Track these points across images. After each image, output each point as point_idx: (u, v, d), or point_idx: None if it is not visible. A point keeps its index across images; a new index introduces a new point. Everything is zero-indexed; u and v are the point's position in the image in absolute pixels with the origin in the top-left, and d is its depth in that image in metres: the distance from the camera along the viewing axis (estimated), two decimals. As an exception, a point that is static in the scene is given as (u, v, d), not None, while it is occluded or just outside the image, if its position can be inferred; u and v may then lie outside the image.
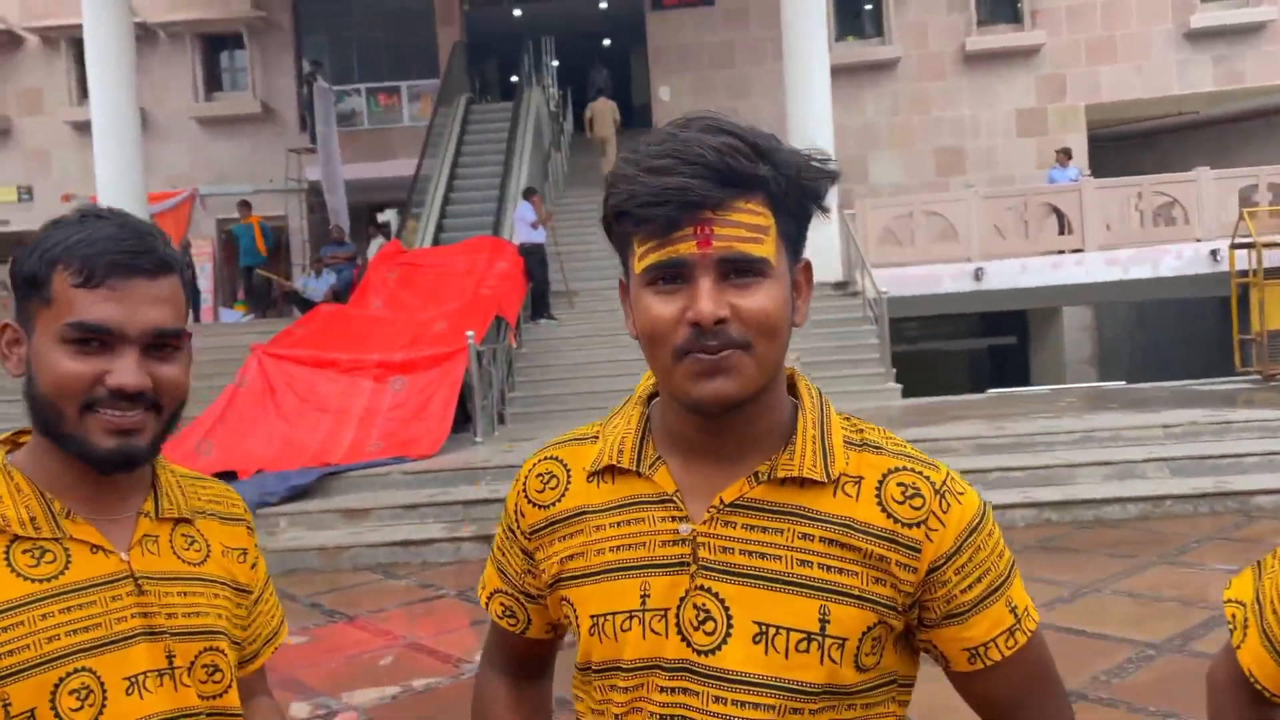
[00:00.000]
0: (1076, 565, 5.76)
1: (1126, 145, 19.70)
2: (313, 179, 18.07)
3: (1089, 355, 18.19)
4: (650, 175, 0.89)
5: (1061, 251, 13.83)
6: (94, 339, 1.02)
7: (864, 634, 0.94)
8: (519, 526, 1.07)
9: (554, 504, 1.04)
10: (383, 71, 19.31)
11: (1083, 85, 17.71)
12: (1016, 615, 0.98)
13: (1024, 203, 14.02)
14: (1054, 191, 14.29)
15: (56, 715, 1.00)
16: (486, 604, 1.14)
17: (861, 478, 0.97)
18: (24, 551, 1.03)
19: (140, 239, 1.05)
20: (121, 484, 1.10)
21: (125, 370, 1.02)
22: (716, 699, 0.93)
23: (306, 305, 12.95)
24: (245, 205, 16.25)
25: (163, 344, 1.06)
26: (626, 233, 0.93)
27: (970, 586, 0.96)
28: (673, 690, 0.94)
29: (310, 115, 17.65)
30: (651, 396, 1.04)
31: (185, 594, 1.10)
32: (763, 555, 0.94)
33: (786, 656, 0.93)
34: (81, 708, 1.01)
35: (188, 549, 1.13)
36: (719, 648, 0.93)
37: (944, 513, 0.95)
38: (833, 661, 0.93)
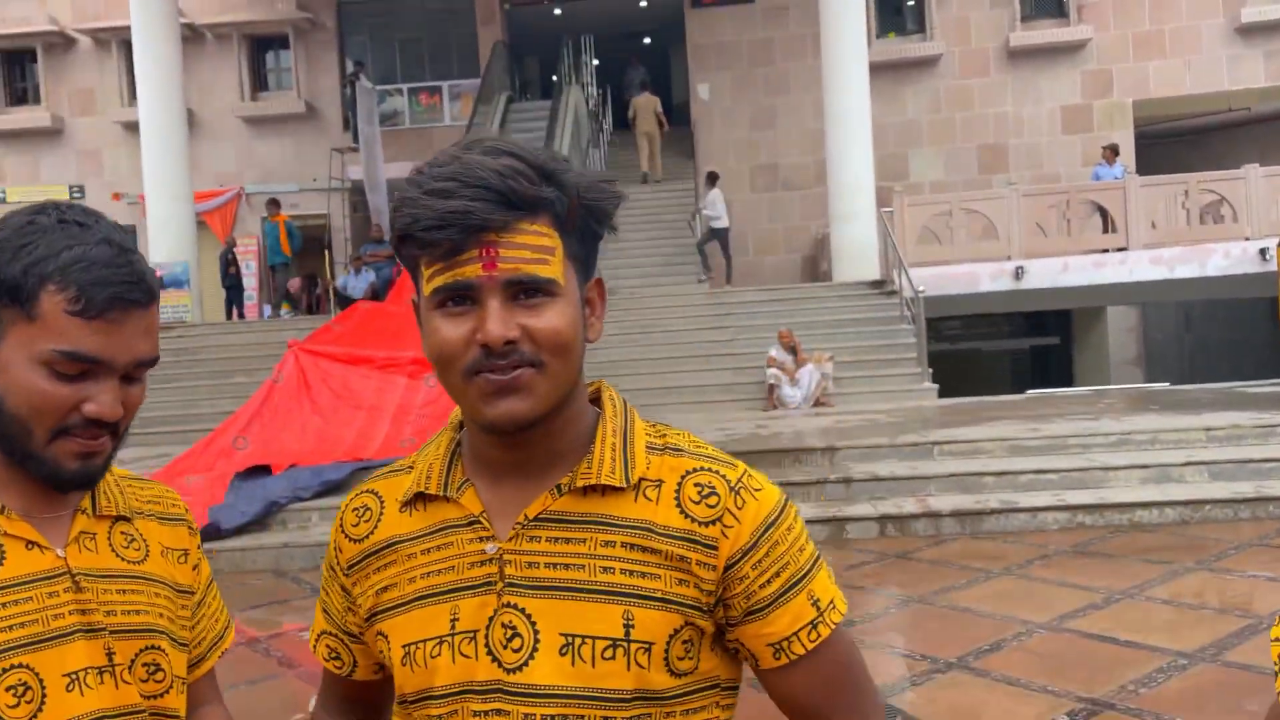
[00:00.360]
0: (1110, 570, 5.66)
1: (1175, 142, 19.30)
2: (355, 178, 18.28)
3: (1134, 356, 17.86)
4: (433, 198, 0.89)
5: (1105, 250, 13.58)
6: (82, 370, 1.01)
7: (671, 637, 0.93)
8: (338, 563, 1.06)
9: (367, 536, 1.03)
10: (424, 71, 19.48)
11: (1130, 81, 17.38)
12: (819, 608, 0.98)
13: (1066, 200, 13.79)
14: (1097, 189, 14.04)
15: None
16: (314, 646, 1.12)
17: (662, 481, 0.97)
18: None
19: (132, 265, 1.03)
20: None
21: (105, 401, 1.02)
22: (526, 716, 0.92)
23: (346, 302, 13.11)
24: (274, 204, 16.52)
25: (138, 370, 1.06)
26: (414, 255, 0.93)
27: (769, 581, 0.96)
28: (486, 714, 0.93)
29: (353, 115, 17.86)
30: (461, 424, 1.04)
31: (124, 591, 1.09)
32: (566, 566, 0.94)
33: (594, 665, 0.92)
34: (19, 704, 1.01)
35: (126, 547, 1.12)
36: (526, 664, 0.92)
37: (739, 509, 0.95)
38: (640, 666, 0.92)
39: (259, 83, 19.70)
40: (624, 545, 0.94)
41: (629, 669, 0.92)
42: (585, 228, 0.96)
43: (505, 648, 0.93)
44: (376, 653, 1.03)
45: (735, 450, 8.03)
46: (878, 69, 15.28)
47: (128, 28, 15.12)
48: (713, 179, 14.94)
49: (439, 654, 0.95)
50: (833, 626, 0.98)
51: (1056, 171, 17.23)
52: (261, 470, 7.89)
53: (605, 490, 0.96)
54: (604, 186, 0.96)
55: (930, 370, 11.49)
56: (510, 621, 0.93)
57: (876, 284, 13.13)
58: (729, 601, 0.96)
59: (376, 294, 13.50)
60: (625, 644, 0.92)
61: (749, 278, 16.19)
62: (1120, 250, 13.43)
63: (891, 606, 5.24)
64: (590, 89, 18.29)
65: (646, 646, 0.92)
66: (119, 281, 1.01)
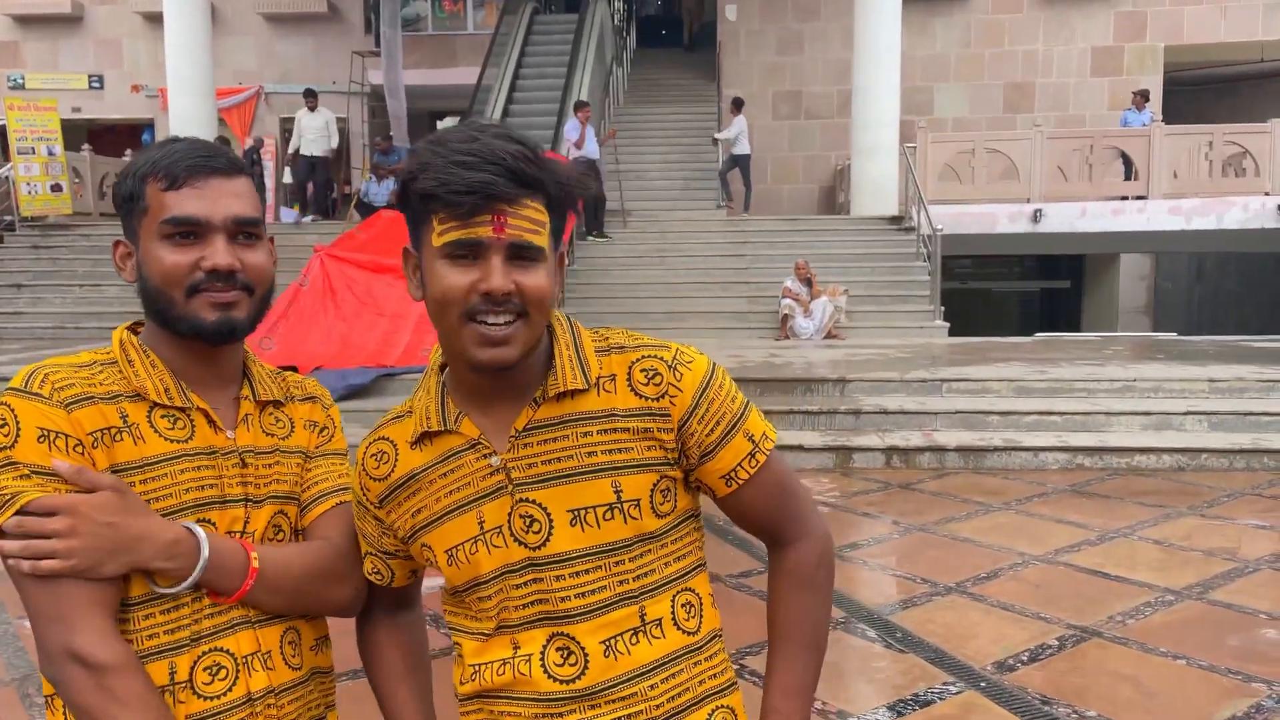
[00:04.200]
0: (1106, 510, 5.89)
1: (1203, 91, 19.07)
2: (375, 83, 18.14)
3: (1143, 305, 17.94)
4: (459, 168, 1.09)
5: (1125, 198, 13.58)
6: (188, 231, 1.22)
7: (651, 490, 1.20)
8: (367, 500, 1.27)
9: (388, 475, 1.25)
10: (449, -26, 19.17)
11: (1164, 25, 17.12)
12: (754, 441, 1.24)
13: (1090, 145, 13.73)
14: (1121, 135, 13.97)
15: None
16: (361, 561, 1.34)
17: (615, 374, 1.21)
18: (161, 416, 1.23)
19: (209, 148, 1.26)
20: (223, 369, 1.29)
21: (216, 253, 1.22)
22: (557, 577, 1.18)
23: (368, 210, 13.16)
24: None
25: (245, 233, 1.25)
26: (428, 210, 1.13)
27: (712, 429, 1.22)
28: (525, 583, 1.19)
29: (376, 17, 17.64)
30: (443, 367, 1.26)
31: (271, 465, 1.31)
32: (559, 459, 1.18)
33: (599, 527, 1.18)
34: None
35: (275, 424, 1.34)
36: (547, 540, 1.18)
37: (678, 380, 1.21)
38: (633, 518, 1.19)
39: (282, -21, 19.42)
40: (599, 432, 1.19)
41: (626, 522, 1.19)
42: (561, 209, 1.18)
43: (527, 532, 1.19)
44: (424, 561, 1.27)
45: (748, 377, 8.25)
46: (910, -1, 15.08)
47: (152, -84, 14.87)
48: (738, 105, 14.85)
49: (476, 550, 1.20)
50: (767, 454, 1.25)
51: (1082, 114, 17.09)
52: (287, 370, 8.09)
53: (573, 394, 1.20)
54: (579, 178, 1.21)
55: (942, 308, 11.61)
56: (526, 512, 1.19)
57: (894, 219, 13.16)
58: (686, 452, 1.22)
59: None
60: (619, 505, 1.19)
61: (765, 206, 16.17)
62: (1139, 198, 13.43)
63: (894, 533, 5.47)
64: (617, 3, 18.04)
65: (635, 502, 1.19)
66: (196, 155, 1.24)
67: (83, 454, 1.16)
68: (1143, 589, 4.50)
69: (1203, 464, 6.79)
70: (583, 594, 1.18)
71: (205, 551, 1.18)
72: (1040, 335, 12.70)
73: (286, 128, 18.39)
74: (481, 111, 14.95)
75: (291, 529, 1.32)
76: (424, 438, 1.22)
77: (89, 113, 19.05)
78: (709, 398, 1.21)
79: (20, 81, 19.10)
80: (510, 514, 1.18)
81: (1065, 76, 17.40)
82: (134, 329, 1.31)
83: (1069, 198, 13.46)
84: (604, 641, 1.18)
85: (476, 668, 1.23)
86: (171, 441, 1.22)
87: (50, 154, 14.47)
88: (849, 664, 3.72)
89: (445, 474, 1.21)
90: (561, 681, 1.18)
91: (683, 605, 1.24)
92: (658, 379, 1.20)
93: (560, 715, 1.19)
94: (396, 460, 1.24)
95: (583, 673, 1.18)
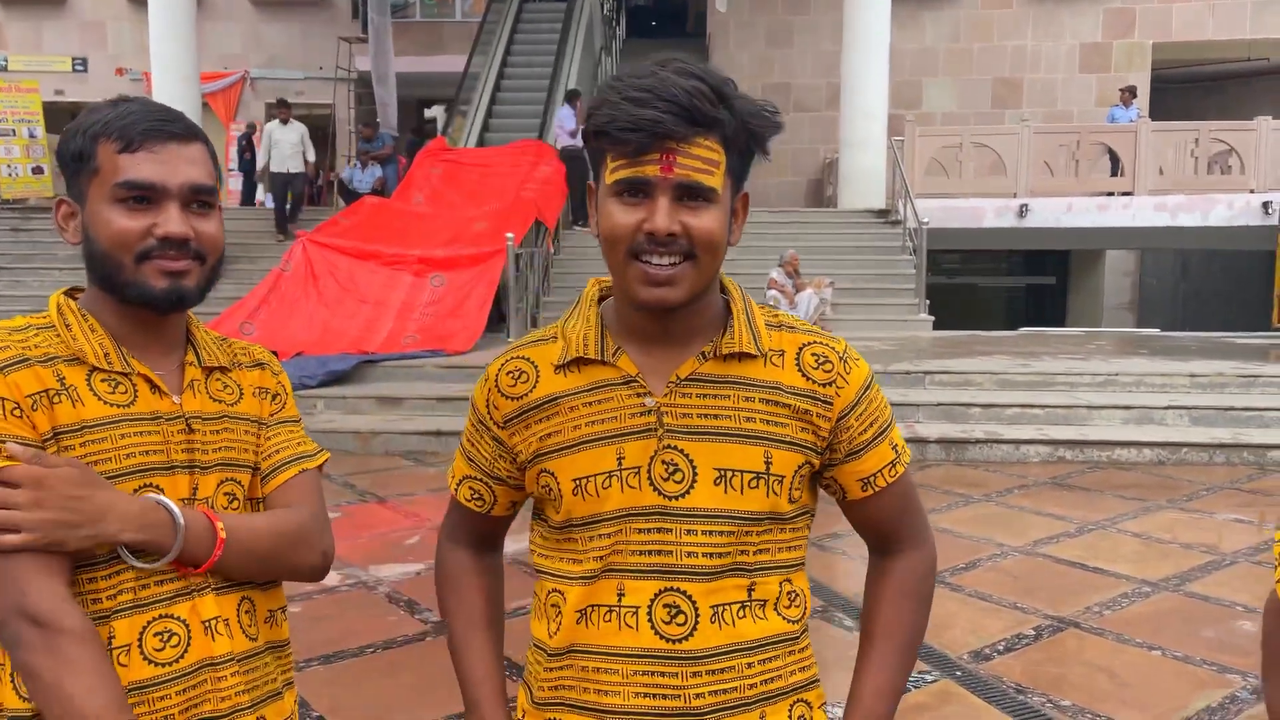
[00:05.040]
0: (1086, 503, 5.90)
1: (1191, 89, 19.14)
2: (362, 69, 18.02)
3: (1128, 301, 18.00)
4: (630, 105, 1.06)
5: (1111, 194, 13.61)
6: (142, 195, 1.19)
7: (795, 471, 1.19)
8: (492, 418, 1.24)
9: (526, 395, 1.21)
10: (438, -38, 19.07)
11: (1152, 22, 17.16)
12: (897, 452, 1.26)
13: (1076, 140, 13.75)
14: (1109, 131, 13.99)
15: None
16: (455, 489, 1.32)
17: (784, 351, 1.21)
18: (102, 380, 1.19)
19: (167, 111, 1.23)
20: (167, 336, 1.27)
21: (170, 220, 1.20)
22: (688, 531, 1.16)
23: (352, 196, 13.08)
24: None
25: (199, 201, 1.22)
26: (603, 148, 1.11)
27: (866, 429, 1.22)
28: (649, 530, 1.17)
29: (364, 3, 17.52)
30: (601, 299, 1.24)
31: (218, 431, 1.27)
32: (715, 416, 1.17)
33: (741, 493, 1.16)
34: None
35: (222, 390, 1.30)
36: (687, 492, 1.16)
37: (847, 374, 1.21)
38: (774, 494, 1.18)
39: (268, -38, 19.28)
40: (761, 400, 1.18)
41: (766, 496, 1.18)
42: (745, 147, 1.14)
43: (667, 480, 1.16)
44: (539, 488, 1.23)
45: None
46: (900, -7, 15.05)
47: (137, -103, 14.72)
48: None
49: (609, 485, 1.17)
50: (905, 467, 1.27)
51: (1069, 110, 17.11)
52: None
53: (742, 357, 1.18)
54: (766, 115, 1.14)
55: (927, 302, 11.61)
56: (671, 460, 1.16)
57: (881, 213, 13.16)
58: (835, 445, 1.22)
59: (383, 189, 13.47)
60: (765, 476, 1.17)
61: (753, 198, 15.82)
62: (1125, 194, 13.46)
63: (874, 523, 5.47)
64: (606, -7, 17.96)
65: (780, 478, 1.18)
66: (154, 119, 1.21)
67: (21, 417, 1.13)
68: (1120, 580, 4.51)
69: (1183, 458, 6.81)
70: (709, 554, 1.16)
71: (181, 521, 1.16)
72: (1025, 330, 12.73)
73: (272, 114, 18.26)
74: (469, 99, 14.87)
75: (245, 497, 1.29)
76: (574, 363, 1.19)
77: (72, 95, 18.86)
78: (869, 398, 1.22)
79: (3, 63, 18.92)
80: (653, 458, 1.16)
81: (1053, 72, 17.42)
82: (71, 294, 1.28)
83: (1055, 193, 13.48)
84: (714, 607, 1.16)
85: (582, 613, 1.19)
86: (112, 406, 1.19)
87: (31, 136, 14.34)
88: (828, 653, 3.71)
89: (590, 404, 1.18)
90: (668, 640, 1.16)
91: (788, 593, 1.22)
92: (828, 366, 1.20)
93: (659, 674, 1.16)
94: (537, 381, 1.21)
95: (691, 633, 1.16)
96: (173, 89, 13.95)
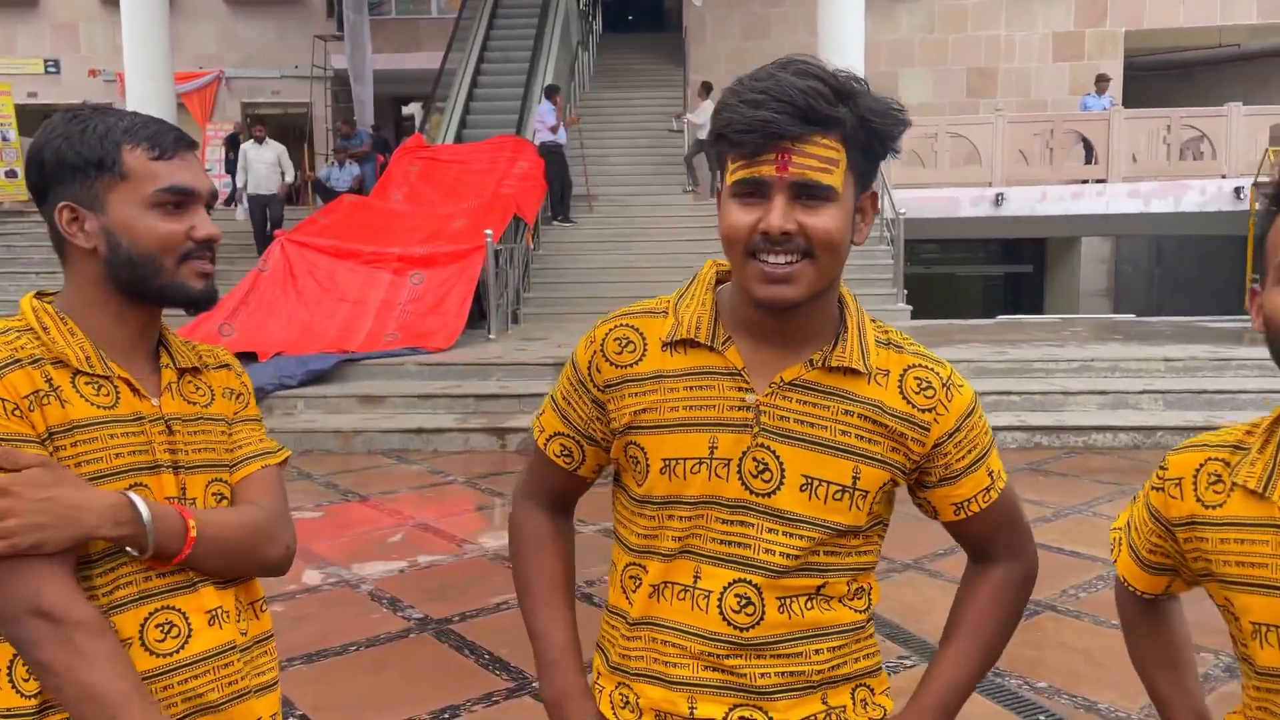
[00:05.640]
0: (1063, 487, 5.97)
1: (1162, 76, 19.29)
2: (339, 66, 17.93)
3: (1104, 288, 18.16)
4: (746, 107, 1.08)
5: (1085, 181, 13.72)
6: (180, 201, 1.24)
7: (880, 488, 1.21)
8: (593, 380, 1.26)
9: (632, 365, 1.23)
10: (413, -41, 18.98)
11: (1124, 10, 17.29)
12: (992, 477, 1.26)
13: (1050, 129, 13.85)
14: (1082, 119, 14.10)
15: None
16: (545, 445, 1.34)
17: (889, 370, 1.21)
18: (85, 383, 1.21)
19: (165, 122, 1.27)
20: (147, 339, 1.30)
21: (206, 224, 1.26)
22: (770, 530, 1.19)
23: (328, 195, 13.03)
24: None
25: (209, 205, 1.29)
26: (723, 151, 1.13)
27: (964, 457, 1.23)
28: (733, 522, 1.19)
29: (339, 1, 17.43)
30: (718, 282, 1.25)
31: (196, 433, 1.30)
32: (812, 424, 1.19)
33: (825, 502, 1.19)
34: None
35: (195, 393, 1.33)
36: (774, 492, 1.18)
37: (948, 401, 1.22)
38: (857, 509, 1.20)
39: (242, -39, 19.15)
40: (859, 416, 1.19)
41: (850, 509, 1.19)
42: (869, 146, 1.13)
43: (756, 477, 1.19)
44: (624, 458, 1.26)
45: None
46: (874, -16, 15.10)
47: (107, -104, 14.59)
48: (707, 89, 14.84)
49: (698, 471, 1.19)
50: (1000, 491, 1.27)
51: (1044, 99, 17.23)
52: (247, 357, 8.02)
53: (848, 371, 1.19)
54: (891, 113, 1.13)
55: (905, 292, 11.68)
56: (762, 459, 1.19)
57: (858, 204, 13.21)
58: (927, 470, 1.24)
59: (361, 188, 13.43)
60: (851, 491, 1.19)
61: (732, 190, 16.17)
62: (1099, 182, 13.57)
63: (854, 512, 5.52)
64: (582, -12, 17.94)
65: (865, 494, 1.20)
66: (170, 129, 1.26)
67: (21, 417, 1.15)
68: (1096, 564, 4.57)
69: (1158, 442, 6.90)
70: (785, 554, 1.18)
71: (146, 513, 1.17)
72: (1002, 318, 12.83)
73: (248, 112, 18.16)
74: (445, 96, 14.84)
75: (232, 495, 1.33)
76: (681, 343, 1.21)
77: (45, 98, 18.68)
78: (969, 425, 1.22)
79: (-26, 66, 18.72)
80: (745, 453, 1.18)
81: (1027, 61, 17.54)
82: (40, 296, 1.30)
83: (1030, 181, 13.58)
84: (780, 599, 1.19)
85: (657, 588, 1.23)
86: (98, 408, 1.21)
87: (4, 139, 14.20)
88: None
89: (691, 388, 1.19)
90: (736, 628, 1.19)
91: (855, 590, 1.25)
92: (929, 392, 1.20)
93: (724, 658, 1.19)
94: (645, 353, 1.23)
95: (757, 623, 1.19)
96: (147, 90, 13.83)
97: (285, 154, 12.95)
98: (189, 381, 1.33)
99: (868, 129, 1.11)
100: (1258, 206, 1.05)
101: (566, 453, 1.32)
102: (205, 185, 1.27)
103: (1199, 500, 1.14)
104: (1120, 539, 1.30)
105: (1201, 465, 1.15)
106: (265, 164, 12.61)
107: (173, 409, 1.28)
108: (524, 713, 3.20)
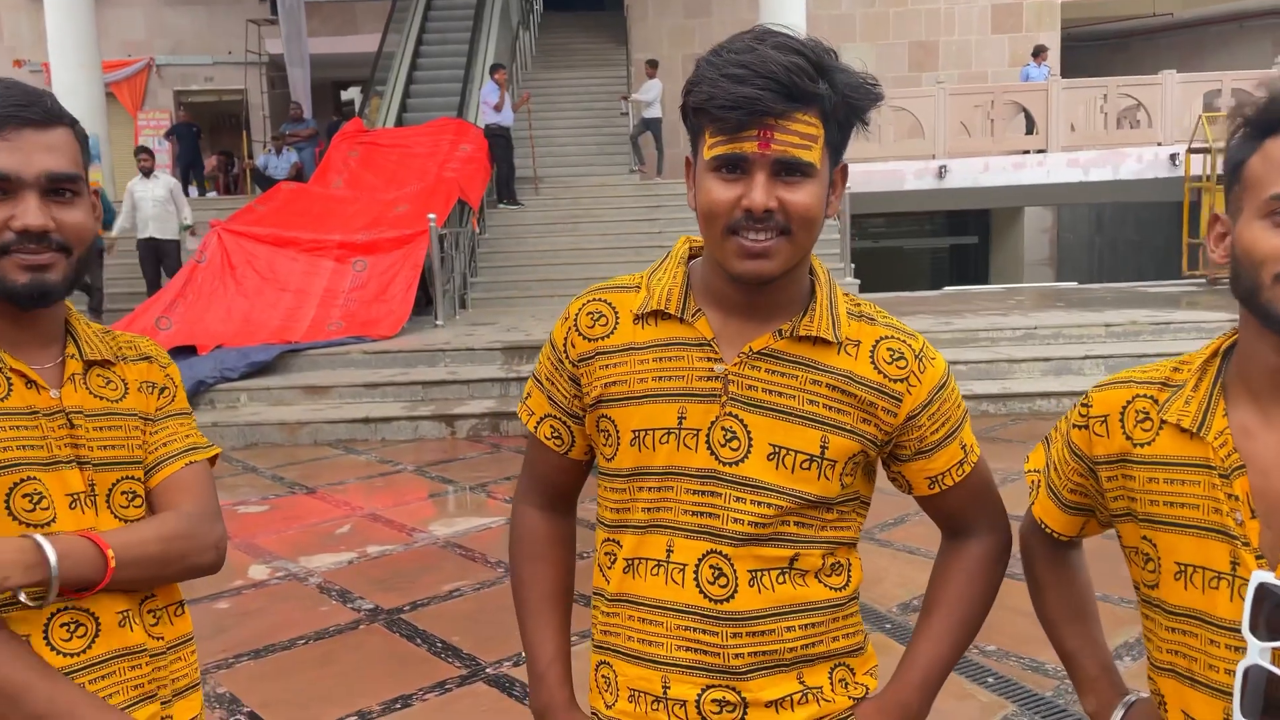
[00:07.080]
0: (1009, 454, 6.04)
1: (1100, 47, 19.58)
2: (274, 52, 17.56)
3: (1047, 256, 18.44)
4: (728, 82, 1.07)
5: (1026, 151, 13.89)
6: (1, 186, 1.12)
7: (849, 458, 1.20)
8: (569, 356, 1.26)
9: (604, 338, 1.24)
10: (347, -60, 18.61)
11: (1060, -19, 17.49)
12: (965, 451, 1.26)
13: (991, 100, 13.99)
14: (1022, 90, 14.26)
15: (10, 514, 1.14)
16: (536, 428, 1.32)
17: (860, 341, 1.21)
18: None
19: (27, 94, 1.15)
20: (42, 331, 1.22)
21: (27, 212, 1.13)
22: (738, 498, 1.18)
23: (266, 183, 12.78)
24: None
25: (61, 189, 1.16)
26: (700, 124, 1.12)
27: (938, 429, 1.23)
28: (702, 492, 1.19)
29: (271, -16, 17.05)
30: (690, 258, 1.26)
31: (103, 429, 1.23)
32: (780, 393, 1.18)
33: (793, 471, 1.18)
34: (35, 510, 1.16)
35: (105, 386, 1.26)
36: (741, 461, 1.18)
37: (921, 373, 1.21)
38: (826, 479, 1.19)
39: (169, -55, 18.63)
40: (828, 386, 1.18)
41: (818, 479, 1.18)
42: (844, 120, 1.13)
43: (724, 446, 1.18)
44: (599, 433, 1.25)
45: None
46: (813, -41, 15.09)
47: (24, -121, 14.09)
48: (653, 66, 14.75)
49: (667, 442, 1.19)
50: (973, 465, 1.27)
51: (984, 71, 17.39)
52: (187, 351, 7.85)
53: (817, 341, 1.19)
54: (867, 88, 1.14)
55: (853, 266, 11.76)
56: (730, 427, 1.18)
57: (804, 179, 13.24)
58: (901, 443, 1.23)
59: (300, 175, 13.18)
60: (819, 460, 1.18)
61: (678, 169, 16.06)
62: (1040, 152, 13.75)
63: (806, 486, 5.55)
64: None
65: (832, 463, 1.19)
66: (10, 104, 1.13)
67: None
68: (1043, 527, 4.63)
69: (1101, 406, 7.01)
70: (754, 522, 1.17)
71: (53, 558, 1.09)
72: (948, 289, 12.97)
73: (181, 100, 17.73)
74: (384, 80, 14.61)
75: (146, 494, 1.26)
76: (652, 316, 1.21)
77: (-33, 90, 18.09)
78: (942, 398, 1.22)
79: (-110, 58, 18.03)
80: (714, 423, 1.17)
81: (967, 34, 17.67)
82: None
83: (972, 153, 13.71)
84: (752, 571, 1.18)
85: (631, 563, 1.22)
86: None
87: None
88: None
89: (661, 359, 1.19)
90: (711, 600, 1.18)
91: (831, 565, 1.23)
92: (901, 363, 1.20)
93: (701, 631, 1.19)
94: (616, 327, 1.23)
95: (732, 595, 1.18)
96: (74, 79, 13.44)
97: (179, 189, 10.76)
98: (98, 374, 1.25)
99: (846, 105, 1.11)
100: (1231, 137, 1.03)
101: (556, 435, 1.31)
102: (37, 168, 1.13)
103: (1128, 438, 1.11)
104: (1039, 481, 1.28)
105: (1129, 402, 1.12)
106: (155, 201, 10.25)
107: (74, 402, 1.21)
108: (476, 699, 3.16)
